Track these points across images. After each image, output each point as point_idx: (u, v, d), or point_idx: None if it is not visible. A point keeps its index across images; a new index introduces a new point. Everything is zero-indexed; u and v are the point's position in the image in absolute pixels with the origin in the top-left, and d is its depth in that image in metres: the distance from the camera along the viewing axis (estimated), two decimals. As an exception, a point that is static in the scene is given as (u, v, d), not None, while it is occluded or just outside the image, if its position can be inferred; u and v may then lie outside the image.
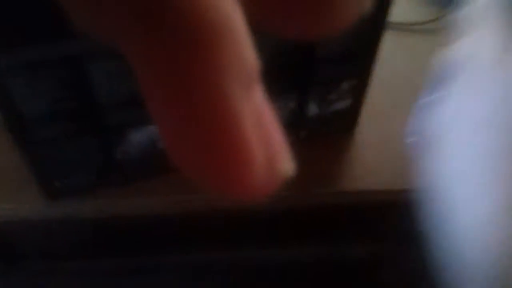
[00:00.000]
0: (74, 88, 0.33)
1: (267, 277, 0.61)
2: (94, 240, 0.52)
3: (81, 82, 0.33)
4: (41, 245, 0.56)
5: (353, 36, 0.41)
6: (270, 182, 0.10)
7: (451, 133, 0.30)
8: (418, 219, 0.30)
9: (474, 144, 0.29)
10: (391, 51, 0.59)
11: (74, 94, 0.33)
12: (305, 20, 0.09)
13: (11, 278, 0.60)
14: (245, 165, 0.10)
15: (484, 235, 0.28)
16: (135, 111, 0.36)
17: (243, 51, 0.10)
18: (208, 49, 0.09)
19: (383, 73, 0.56)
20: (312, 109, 0.46)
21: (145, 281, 0.59)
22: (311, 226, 0.56)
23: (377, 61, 0.47)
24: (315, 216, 0.54)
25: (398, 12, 0.63)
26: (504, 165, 0.28)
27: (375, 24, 0.42)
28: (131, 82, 0.10)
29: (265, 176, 0.10)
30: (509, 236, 0.27)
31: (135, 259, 0.55)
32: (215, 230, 0.51)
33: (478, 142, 0.29)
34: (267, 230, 0.52)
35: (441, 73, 0.32)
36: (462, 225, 0.30)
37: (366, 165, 0.49)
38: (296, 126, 0.47)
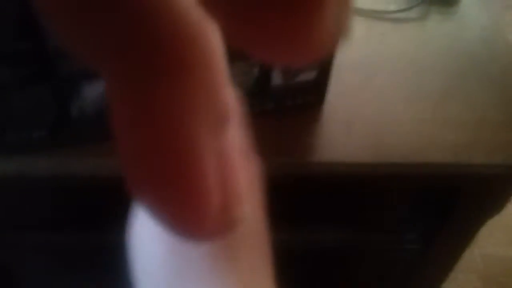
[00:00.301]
0: (22, 27, 0.32)
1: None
2: (51, 206, 0.51)
3: (29, 21, 0.32)
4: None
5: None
6: (222, 225, 0.10)
7: None
8: None
9: None
10: (363, 35, 0.60)
11: (22, 34, 0.32)
12: (286, 52, 0.09)
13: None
14: (197, 206, 0.09)
15: None
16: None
17: (218, 93, 0.09)
18: (181, 87, 0.09)
19: (353, 56, 0.57)
20: (276, 78, 0.46)
21: (107, 256, 0.57)
22: (271, 196, 0.56)
23: (347, 42, 0.48)
24: (277, 186, 0.53)
25: (373, 0, 0.65)
26: None
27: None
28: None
29: (218, 220, 0.10)
30: None
31: (95, 233, 0.54)
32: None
33: None
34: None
35: None
36: None
37: (332, 139, 0.49)
38: (261, 96, 0.47)
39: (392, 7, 0.64)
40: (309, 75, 0.47)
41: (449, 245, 0.65)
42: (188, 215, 0.09)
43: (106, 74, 0.09)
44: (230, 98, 0.10)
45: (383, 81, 0.55)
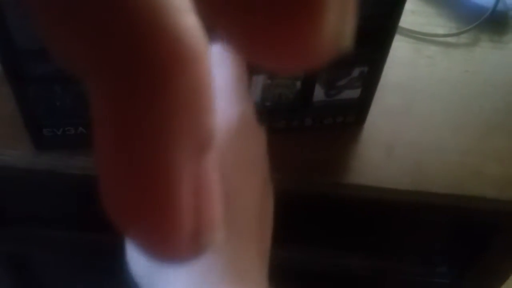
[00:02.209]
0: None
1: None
2: (80, 205, 0.50)
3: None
4: (26, 206, 0.55)
5: (369, 19, 0.40)
6: (193, 250, 0.10)
7: None
8: None
9: None
10: (409, 57, 0.58)
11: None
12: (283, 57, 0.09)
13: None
14: (168, 230, 0.09)
15: None
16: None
17: (203, 118, 0.09)
18: (165, 109, 0.09)
19: (398, 77, 0.55)
20: (318, 94, 0.45)
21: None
22: (302, 214, 0.54)
23: (393, 63, 0.46)
24: (309, 205, 0.52)
25: (422, 22, 0.63)
26: None
27: (392, 10, 0.40)
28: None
29: (188, 244, 0.10)
30: None
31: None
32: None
33: None
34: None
35: None
36: None
37: (370, 161, 0.47)
38: (301, 112, 0.46)
39: (441, 31, 0.62)
40: (353, 93, 0.45)
41: (480, 283, 0.62)
42: (158, 238, 0.09)
43: (91, 86, 0.09)
44: (212, 127, 0.10)
45: (427, 106, 0.53)
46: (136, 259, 0.30)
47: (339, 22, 0.09)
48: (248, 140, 0.30)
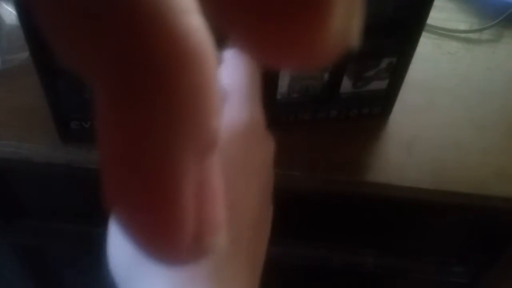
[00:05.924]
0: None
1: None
2: (98, 199, 0.50)
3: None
4: (43, 199, 0.55)
5: (399, 10, 0.39)
6: (194, 252, 0.10)
7: None
8: None
9: None
10: (430, 53, 0.58)
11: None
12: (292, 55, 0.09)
13: (8, 235, 0.59)
14: (171, 230, 0.09)
15: None
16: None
17: (207, 120, 0.09)
18: (170, 110, 0.09)
19: (419, 73, 0.54)
20: (346, 85, 0.44)
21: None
22: (320, 211, 0.53)
23: (414, 59, 0.45)
24: (328, 202, 0.51)
25: (444, 18, 0.61)
26: None
27: (422, 0, 0.39)
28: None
29: (190, 246, 0.10)
30: None
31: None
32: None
33: None
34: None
35: None
36: None
37: (391, 159, 0.46)
38: (327, 103, 0.45)
39: (462, 27, 0.61)
40: (380, 85, 0.45)
41: (496, 283, 0.61)
42: (160, 240, 0.09)
43: (94, 86, 0.09)
44: (218, 126, 0.09)
45: (448, 103, 0.52)
46: (117, 254, 0.28)
47: (346, 19, 0.09)
48: (254, 147, 0.29)
